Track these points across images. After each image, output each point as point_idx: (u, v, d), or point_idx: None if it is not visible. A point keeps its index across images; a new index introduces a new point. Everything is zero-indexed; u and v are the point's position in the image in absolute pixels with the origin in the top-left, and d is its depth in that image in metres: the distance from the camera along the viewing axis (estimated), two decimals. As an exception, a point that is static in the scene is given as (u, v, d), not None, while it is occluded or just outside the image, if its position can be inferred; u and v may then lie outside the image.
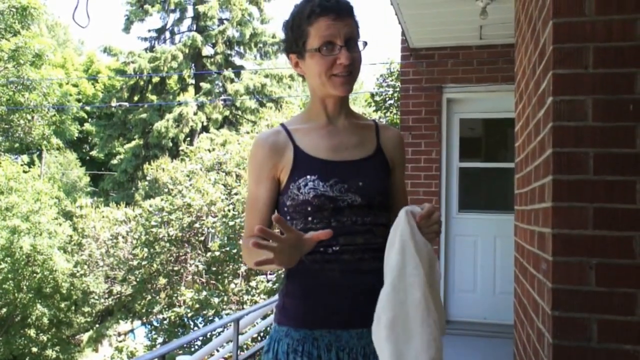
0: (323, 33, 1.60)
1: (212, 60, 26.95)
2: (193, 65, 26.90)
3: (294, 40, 1.67)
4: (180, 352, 9.53)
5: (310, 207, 1.61)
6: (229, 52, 27.45)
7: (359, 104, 28.43)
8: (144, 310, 13.75)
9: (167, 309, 12.97)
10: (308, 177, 1.62)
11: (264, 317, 6.93)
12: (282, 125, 1.76)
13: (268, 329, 7.75)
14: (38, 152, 29.02)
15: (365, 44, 1.69)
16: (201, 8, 25.91)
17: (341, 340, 1.56)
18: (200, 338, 11.20)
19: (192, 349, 11.30)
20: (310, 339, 1.57)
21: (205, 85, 25.58)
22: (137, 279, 13.65)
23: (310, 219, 1.62)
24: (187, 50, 25.53)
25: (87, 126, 30.57)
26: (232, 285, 12.56)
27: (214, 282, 13.16)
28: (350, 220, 1.61)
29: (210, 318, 12.11)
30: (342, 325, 1.56)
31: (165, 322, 13.19)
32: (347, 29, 1.62)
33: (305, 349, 1.57)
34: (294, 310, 1.63)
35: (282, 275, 1.86)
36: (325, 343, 1.57)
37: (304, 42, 1.64)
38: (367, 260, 1.59)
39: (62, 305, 17.05)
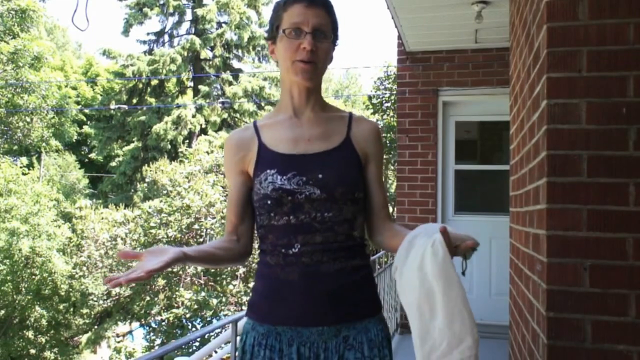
0: (293, 19, 1.64)
1: (211, 63, 26.99)
2: (191, 68, 26.94)
3: (271, 26, 1.72)
4: (179, 353, 9.52)
5: (270, 200, 1.62)
6: (227, 55, 27.47)
7: (357, 106, 28.48)
8: (142, 312, 13.72)
9: (165, 310, 12.96)
10: (268, 171, 1.65)
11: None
12: (254, 122, 1.80)
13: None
14: (37, 154, 29.01)
15: (334, 41, 1.73)
16: (200, 11, 25.95)
17: (302, 336, 1.60)
18: (199, 339, 11.19)
19: (190, 350, 11.30)
20: (273, 334, 1.62)
21: (203, 88, 25.61)
22: (136, 281, 13.62)
23: (272, 214, 1.64)
24: (185, 53, 25.56)
25: (86, 128, 30.55)
26: (231, 287, 12.57)
27: (212, 283, 13.16)
28: (309, 217, 1.61)
29: (208, 319, 12.12)
30: (302, 323, 1.60)
31: (163, 323, 13.19)
32: (317, 19, 1.64)
33: (268, 342, 1.62)
34: (258, 307, 1.68)
35: None
36: (287, 338, 1.61)
37: (277, 27, 1.68)
38: (325, 262, 1.60)
39: (61, 306, 17.03)
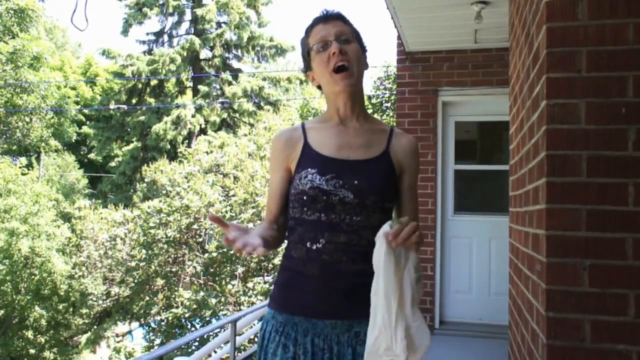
0: (316, 36, 1.80)
1: (210, 63, 26.95)
2: (191, 68, 26.87)
3: (304, 58, 1.88)
4: (178, 353, 9.53)
5: (305, 196, 1.74)
6: (226, 55, 27.42)
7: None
8: (141, 312, 13.72)
9: (164, 310, 12.96)
10: (309, 169, 1.76)
11: (261, 319, 6.92)
12: (302, 123, 1.92)
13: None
14: (36, 155, 28.99)
15: (362, 48, 1.86)
16: (199, 11, 25.90)
17: (317, 327, 1.72)
18: (198, 339, 11.21)
19: (190, 350, 11.32)
20: (290, 323, 1.75)
21: (203, 88, 25.56)
22: (135, 281, 13.63)
23: (305, 209, 1.76)
24: (185, 53, 25.49)
25: (85, 129, 30.50)
26: (230, 287, 12.56)
27: (211, 283, 13.15)
28: (339, 218, 1.72)
29: (207, 319, 12.12)
30: (318, 316, 1.72)
31: (163, 323, 13.18)
32: (337, 28, 1.80)
33: (285, 330, 1.75)
34: (279, 297, 1.82)
35: None
36: (303, 328, 1.74)
37: (309, 52, 1.84)
38: (345, 262, 1.71)
39: (60, 306, 17.04)
